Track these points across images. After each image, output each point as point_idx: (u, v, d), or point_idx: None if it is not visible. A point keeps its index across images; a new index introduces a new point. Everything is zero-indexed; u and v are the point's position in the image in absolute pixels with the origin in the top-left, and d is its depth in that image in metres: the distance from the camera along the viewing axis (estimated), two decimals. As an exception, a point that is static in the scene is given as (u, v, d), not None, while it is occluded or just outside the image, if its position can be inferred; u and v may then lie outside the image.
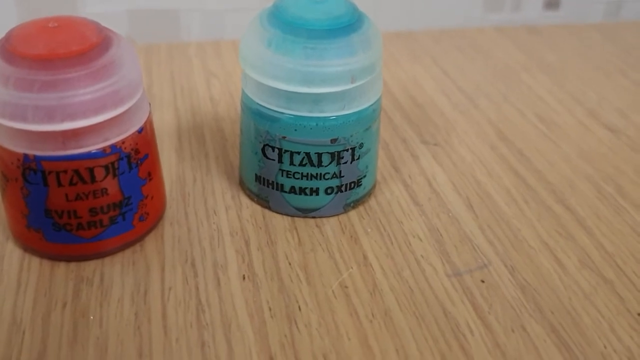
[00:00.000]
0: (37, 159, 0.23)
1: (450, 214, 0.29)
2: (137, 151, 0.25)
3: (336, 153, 0.27)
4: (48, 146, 0.23)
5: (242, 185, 0.30)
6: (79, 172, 0.24)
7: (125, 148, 0.24)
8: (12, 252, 0.26)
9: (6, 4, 0.42)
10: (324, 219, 0.28)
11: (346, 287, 0.25)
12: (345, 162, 0.27)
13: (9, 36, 0.24)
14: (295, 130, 0.26)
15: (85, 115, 0.23)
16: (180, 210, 0.29)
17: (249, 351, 0.22)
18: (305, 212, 0.28)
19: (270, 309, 0.24)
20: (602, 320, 0.24)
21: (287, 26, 0.25)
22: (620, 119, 0.37)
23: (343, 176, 0.28)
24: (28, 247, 0.26)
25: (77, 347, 0.22)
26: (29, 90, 0.22)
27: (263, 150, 0.27)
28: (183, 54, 0.43)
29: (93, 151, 0.24)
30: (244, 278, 0.25)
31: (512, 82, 0.41)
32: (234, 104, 0.37)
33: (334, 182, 0.28)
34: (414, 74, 0.42)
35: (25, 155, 0.23)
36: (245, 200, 0.29)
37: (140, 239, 0.27)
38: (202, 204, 0.29)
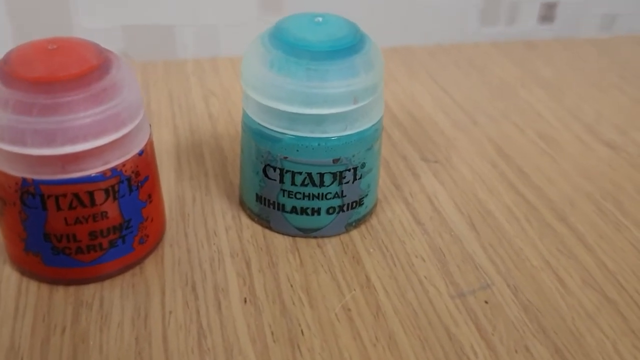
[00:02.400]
0: (36, 183, 0.23)
1: (453, 233, 0.29)
2: (137, 174, 0.25)
3: (338, 173, 0.27)
4: (47, 170, 0.23)
5: (243, 205, 0.30)
6: (79, 196, 0.23)
7: (125, 171, 0.24)
8: (10, 276, 0.26)
9: (0, 20, 0.42)
10: (326, 239, 0.28)
11: (349, 309, 0.25)
12: (347, 182, 0.27)
13: (7, 58, 0.23)
14: (297, 150, 0.26)
15: (86, 139, 0.23)
16: (180, 231, 0.28)
17: (252, 377, 0.22)
18: (307, 232, 0.28)
19: (272, 334, 0.24)
20: (606, 341, 0.24)
21: (289, 47, 0.25)
22: (618, 135, 0.37)
23: (345, 196, 0.28)
24: (26, 270, 0.26)
25: (77, 374, 0.22)
26: (28, 113, 0.22)
27: (264, 170, 0.27)
28: (180, 72, 0.42)
29: (93, 174, 0.23)
30: (245, 301, 0.25)
31: (509, 98, 0.41)
32: (232, 122, 0.37)
33: (336, 202, 0.28)
34: (412, 91, 0.42)
35: (24, 179, 0.23)
36: (245, 220, 0.29)
37: (139, 261, 0.26)
38: (202, 224, 0.29)
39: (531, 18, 0.51)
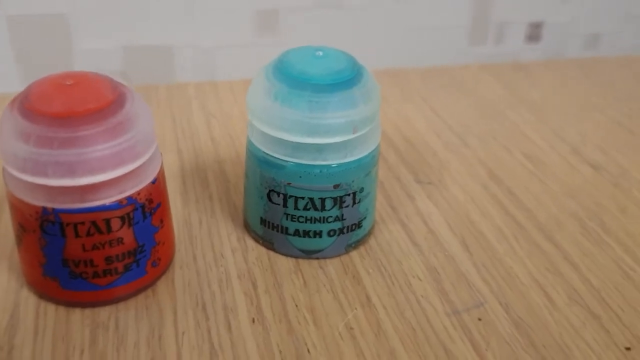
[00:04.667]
0: (56, 212, 0.24)
1: (447, 253, 0.31)
2: (150, 201, 0.26)
3: (338, 198, 0.28)
4: (67, 199, 0.24)
5: (247, 228, 0.31)
6: (96, 224, 0.25)
7: (140, 199, 0.26)
8: (27, 299, 0.27)
9: (0, 39, 0.42)
10: (327, 260, 0.30)
11: (352, 328, 0.26)
12: (347, 206, 0.29)
13: (27, 94, 0.25)
14: (300, 177, 0.28)
15: (104, 170, 0.24)
16: (188, 253, 0.30)
17: (262, 393, 0.24)
18: (309, 254, 0.30)
19: (280, 352, 0.25)
20: (592, 355, 0.26)
21: (292, 81, 0.27)
22: (601, 156, 0.39)
23: (345, 219, 0.29)
24: (43, 294, 0.27)
25: (97, 393, 0.23)
26: (49, 147, 0.23)
27: (268, 195, 0.29)
28: (182, 95, 0.44)
29: (110, 203, 0.25)
30: (253, 321, 0.26)
31: (498, 119, 0.43)
32: (233, 145, 0.38)
33: (336, 225, 0.29)
34: (405, 113, 0.43)
35: (44, 208, 0.24)
36: (250, 242, 0.31)
37: (152, 283, 0.28)
38: (209, 247, 0.30)
39: (518, 37, 0.53)
